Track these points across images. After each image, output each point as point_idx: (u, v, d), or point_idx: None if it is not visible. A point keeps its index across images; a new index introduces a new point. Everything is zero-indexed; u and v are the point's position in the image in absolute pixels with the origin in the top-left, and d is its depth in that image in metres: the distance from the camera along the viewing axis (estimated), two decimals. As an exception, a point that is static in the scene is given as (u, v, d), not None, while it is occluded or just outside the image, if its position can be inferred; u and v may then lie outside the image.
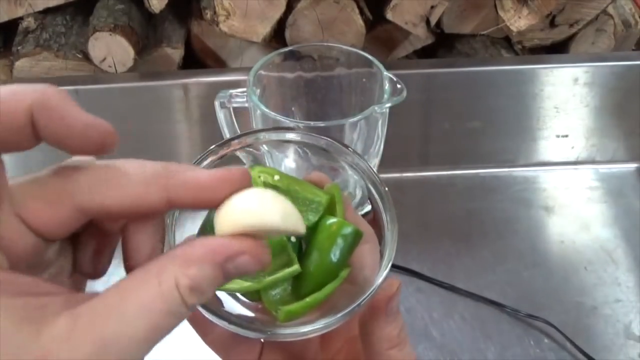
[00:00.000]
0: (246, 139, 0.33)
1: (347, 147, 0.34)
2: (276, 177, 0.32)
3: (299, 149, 0.35)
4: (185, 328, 0.32)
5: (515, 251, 0.66)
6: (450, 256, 0.65)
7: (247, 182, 0.24)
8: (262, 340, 0.33)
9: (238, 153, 0.33)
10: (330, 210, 0.32)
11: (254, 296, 0.31)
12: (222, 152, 0.32)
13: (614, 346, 0.58)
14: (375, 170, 0.34)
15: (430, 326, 0.59)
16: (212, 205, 0.24)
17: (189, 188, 0.24)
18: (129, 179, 0.23)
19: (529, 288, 0.62)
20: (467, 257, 0.65)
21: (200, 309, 0.29)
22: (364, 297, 0.30)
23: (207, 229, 0.31)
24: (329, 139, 0.34)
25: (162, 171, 0.24)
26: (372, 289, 0.30)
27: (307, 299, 0.29)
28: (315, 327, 0.29)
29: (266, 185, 0.31)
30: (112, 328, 0.19)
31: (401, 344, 0.31)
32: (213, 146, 0.32)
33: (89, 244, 0.26)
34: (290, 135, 0.34)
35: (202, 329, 0.32)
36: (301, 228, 0.25)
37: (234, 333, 0.30)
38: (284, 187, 0.32)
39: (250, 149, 0.34)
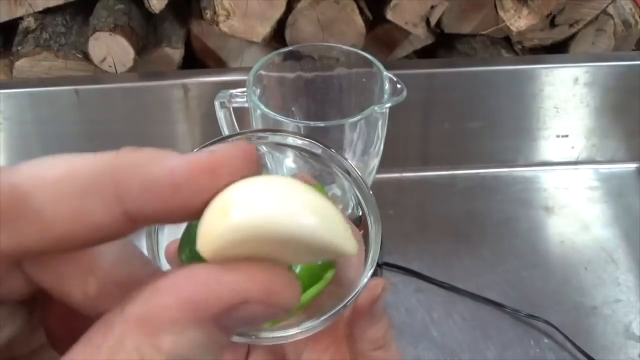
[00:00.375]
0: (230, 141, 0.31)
1: (326, 146, 0.33)
2: None
3: (297, 152, 0.35)
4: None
5: (516, 251, 0.66)
6: (450, 256, 0.65)
7: (254, 169, 0.16)
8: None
9: None
10: None
11: None
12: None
13: (614, 346, 0.58)
14: (373, 175, 0.33)
15: (430, 326, 0.59)
16: (197, 215, 0.15)
17: (153, 191, 0.15)
18: (50, 196, 0.15)
19: (529, 288, 0.62)
20: (467, 257, 0.65)
21: None
22: (347, 300, 0.29)
23: (185, 236, 0.27)
24: (313, 141, 0.33)
25: (108, 170, 0.15)
26: (356, 290, 0.29)
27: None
28: (300, 331, 0.28)
29: None
30: None
31: (387, 345, 0.31)
32: (196, 149, 0.30)
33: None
34: (276, 138, 0.33)
35: None
36: (350, 245, 0.16)
37: None
38: None
39: None
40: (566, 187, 0.73)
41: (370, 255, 0.30)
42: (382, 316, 0.31)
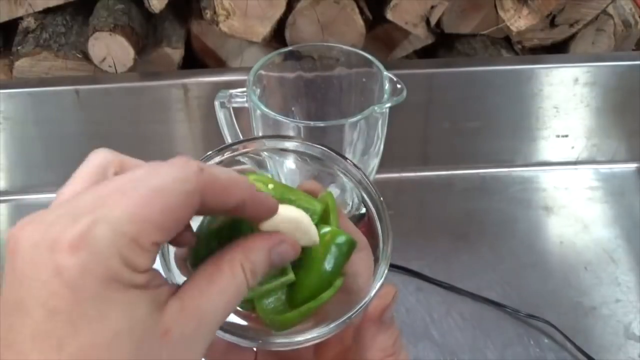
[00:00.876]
0: (242, 147, 0.33)
1: (342, 156, 0.34)
2: (270, 186, 0.31)
3: (298, 156, 0.35)
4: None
5: (515, 251, 0.66)
6: (450, 256, 0.65)
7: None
8: (255, 349, 0.32)
9: (240, 158, 0.33)
10: (324, 219, 0.32)
11: (247, 305, 0.30)
12: (217, 158, 0.32)
13: (613, 346, 0.58)
14: (373, 175, 0.34)
15: (430, 326, 0.59)
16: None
17: (227, 208, 0.27)
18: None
19: (529, 288, 0.62)
20: (467, 257, 0.65)
21: None
22: (358, 307, 0.29)
23: (202, 229, 0.30)
24: (325, 148, 0.33)
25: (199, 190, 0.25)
26: (365, 300, 0.30)
27: (301, 308, 0.29)
28: (308, 337, 0.29)
29: None
30: (204, 306, 0.25)
31: (396, 353, 0.31)
32: (210, 152, 0.32)
33: None
34: (287, 144, 0.34)
35: None
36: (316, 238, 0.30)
37: (227, 342, 0.30)
38: (278, 196, 0.31)
39: (251, 155, 0.34)
40: (566, 187, 0.73)
41: (381, 266, 0.30)
42: (392, 324, 0.31)
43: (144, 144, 0.70)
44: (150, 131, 0.69)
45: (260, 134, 0.57)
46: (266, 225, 0.28)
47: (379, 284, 0.30)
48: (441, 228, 0.68)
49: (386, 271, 0.30)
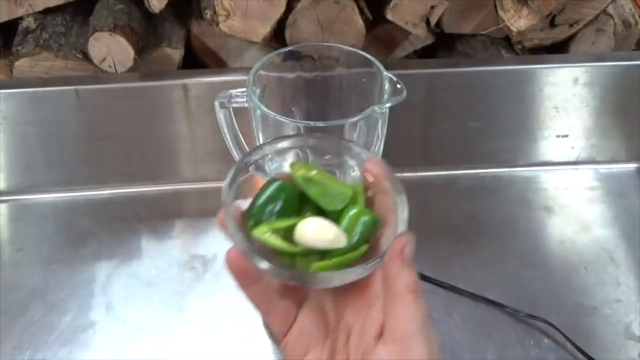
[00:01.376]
0: (256, 154, 0.40)
1: (346, 140, 0.41)
2: (314, 172, 0.39)
3: (299, 151, 0.41)
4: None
5: (516, 251, 0.66)
6: (450, 256, 0.65)
7: None
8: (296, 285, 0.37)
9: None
10: (353, 200, 0.39)
11: (286, 259, 0.36)
12: (242, 176, 0.38)
13: (614, 346, 0.58)
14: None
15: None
16: None
17: None
18: None
19: (529, 288, 0.62)
20: (467, 257, 0.65)
21: (254, 256, 0.34)
22: (387, 248, 0.35)
23: (252, 209, 0.37)
24: (331, 137, 0.40)
25: None
26: (392, 239, 0.35)
27: (336, 259, 0.36)
28: (347, 271, 0.35)
29: (304, 178, 0.39)
30: None
31: (419, 292, 0.35)
32: (230, 175, 0.38)
33: None
34: (293, 142, 0.41)
35: (244, 280, 0.36)
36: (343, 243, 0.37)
37: (273, 288, 0.37)
38: (320, 180, 0.39)
39: (258, 161, 0.40)
40: (566, 187, 0.73)
41: (399, 220, 0.37)
42: (411, 265, 0.35)
43: (144, 144, 0.70)
44: (150, 131, 0.69)
45: (261, 134, 0.57)
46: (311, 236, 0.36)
47: (403, 224, 0.36)
48: (441, 228, 0.68)
49: (407, 216, 0.37)
